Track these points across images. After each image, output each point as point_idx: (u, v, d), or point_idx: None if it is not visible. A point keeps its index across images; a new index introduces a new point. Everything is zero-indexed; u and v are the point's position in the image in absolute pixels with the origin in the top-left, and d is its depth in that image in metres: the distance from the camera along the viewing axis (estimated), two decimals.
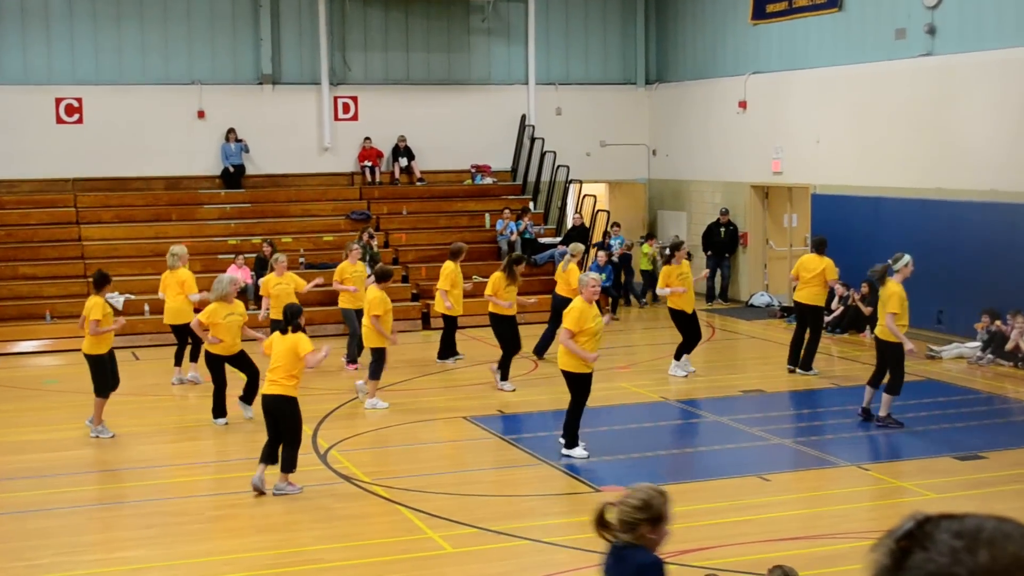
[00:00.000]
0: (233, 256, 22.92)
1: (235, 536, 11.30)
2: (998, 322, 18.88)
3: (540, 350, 19.36)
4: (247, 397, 15.46)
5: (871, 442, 14.43)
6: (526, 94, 28.47)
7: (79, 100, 25.60)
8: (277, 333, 12.50)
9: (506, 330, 17.59)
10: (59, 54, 25.51)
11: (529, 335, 18.83)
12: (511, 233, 25.55)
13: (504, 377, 17.45)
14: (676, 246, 18.20)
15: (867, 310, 20.94)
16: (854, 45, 22.85)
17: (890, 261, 14.59)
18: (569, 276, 18.37)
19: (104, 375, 14.71)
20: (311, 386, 17.60)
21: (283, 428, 12.18)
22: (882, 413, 14.70)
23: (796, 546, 10.40)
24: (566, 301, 18.55)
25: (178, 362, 17.99)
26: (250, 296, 21.59)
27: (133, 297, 21.87)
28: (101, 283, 14.83)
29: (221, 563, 10.46)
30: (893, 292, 14.33)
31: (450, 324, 19.47)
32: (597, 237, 26.68)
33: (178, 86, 26.20)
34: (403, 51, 27.76)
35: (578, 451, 13.44)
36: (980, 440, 14.12)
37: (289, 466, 12.25)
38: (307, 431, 15.08)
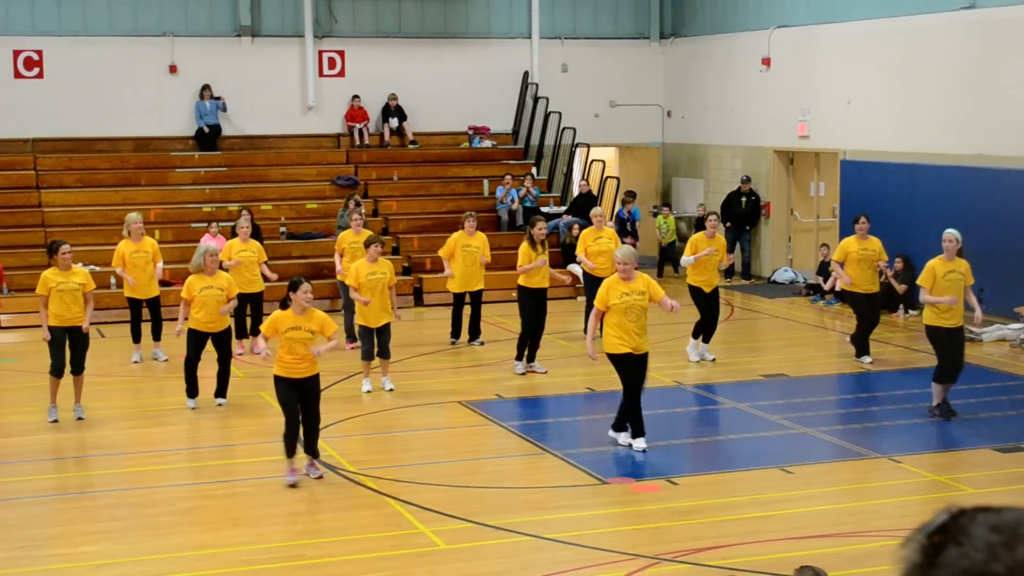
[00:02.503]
0: (207, 224, 22.88)
1: (209, 529, 11.33)
2: None
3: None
4: (221, 388, 15.63)
5: (904, 432, 14.44)
6: (529, 49, 28.40)
7: (39, 53, 25.54)
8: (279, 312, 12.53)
9: (531, 306, 17.43)
10: (17, 2, 25.43)
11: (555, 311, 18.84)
12: (512, 201, 25.53)
13: (519, 357, 17.39)
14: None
15: (901, 288, 20.95)
16: None
17: None
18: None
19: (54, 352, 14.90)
20: None
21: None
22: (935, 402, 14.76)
23: (822, 544, 10.43)
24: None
25: (136, 339, 18.36)
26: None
27: (98, 269, 21.85)
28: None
29: (193, 559, 10.49)
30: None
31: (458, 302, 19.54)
32: (606, 206, 26.65)
33: (148, 38, 26.13)
34: (395, 0, 27.68)
35: (621, 436, 13.58)
36: None
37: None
38: None
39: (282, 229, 24.28)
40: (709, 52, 28.10)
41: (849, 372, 17.58)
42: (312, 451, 12.48)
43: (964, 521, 1.61)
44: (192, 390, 15.52)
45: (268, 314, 13.74)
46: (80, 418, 14.91)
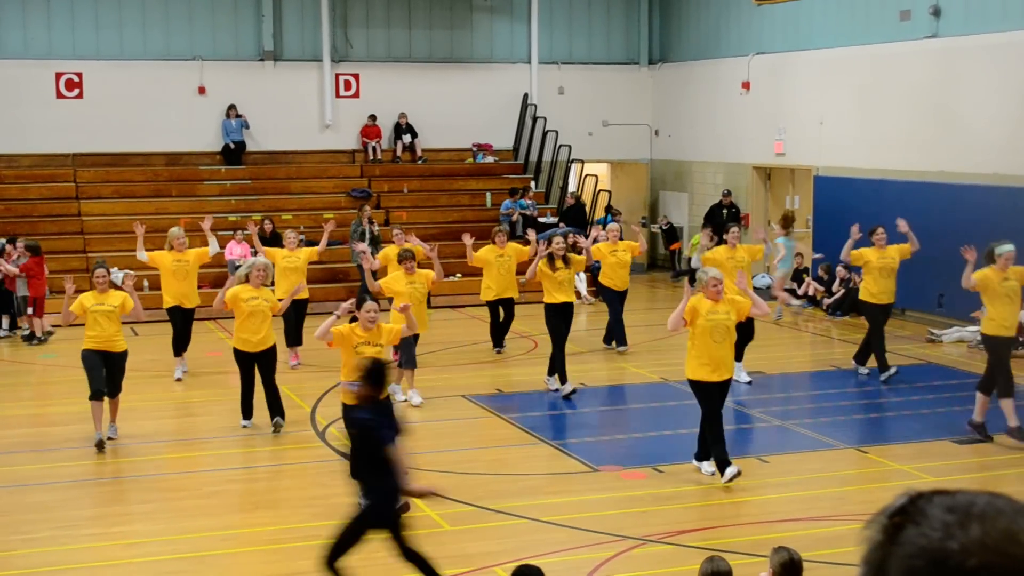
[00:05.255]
0: (232, 232, 22.86)
1: (232, 512, 11.34)
2: None
3: (616, 339, 18.68)
4: (273, 409, 14.00)
5: (870, 425, 14.45)
6: (528, 73, 28.41)
7: (79, 75, 25.56)
8: None
9: (558, 321, 16.02)
10: (60, 29, 25.46)
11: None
12: (513, 212, 25.49)
13: (551, 372, 16.10)
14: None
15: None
16: (858, 26, 22.79)
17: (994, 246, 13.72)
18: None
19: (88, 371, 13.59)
20: (311, 363, 17.65)
21: None
22: (1012, 424, 13.24)
23: (795, 527, 10.43)
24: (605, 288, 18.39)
25: (177, 352, 17.13)
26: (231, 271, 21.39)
27: (133, 273, 21.78)
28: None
29: (218, 538, 10.49)
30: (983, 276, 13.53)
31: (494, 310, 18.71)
32: (599, 216, 26.68)
33: (179, 62, 26.15)
34: (405, 28, 27.70)
35: (705, 466, 12.12)
36: None
37: None
38: (306, 408, 15.14)
39: (301, 237, 24.19)
40: (694, 76, 28.09)
41: (820, 371, 17.57)
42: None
43: (922, 503, 1.61)
44: (247, 413, 14.21)
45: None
46: (111, 438, 13.57)
